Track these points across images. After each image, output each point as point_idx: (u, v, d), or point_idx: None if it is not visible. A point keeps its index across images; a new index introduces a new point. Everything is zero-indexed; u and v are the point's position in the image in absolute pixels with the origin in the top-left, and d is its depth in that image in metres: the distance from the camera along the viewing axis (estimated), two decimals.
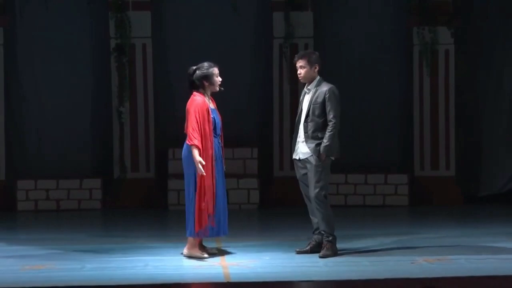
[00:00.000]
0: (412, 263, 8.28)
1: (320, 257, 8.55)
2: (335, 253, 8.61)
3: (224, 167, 8.73)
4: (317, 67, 8.68)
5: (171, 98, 13.02)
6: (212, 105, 8.67)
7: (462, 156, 13.16)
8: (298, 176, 8.80)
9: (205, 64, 8.64)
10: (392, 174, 12.82)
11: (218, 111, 8.76)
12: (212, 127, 8.54)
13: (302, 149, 8.67)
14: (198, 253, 8.58)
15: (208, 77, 8.58)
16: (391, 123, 13.29)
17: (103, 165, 13.17)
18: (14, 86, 13.17)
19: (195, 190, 8.46)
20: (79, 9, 13.16)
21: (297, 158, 8.73)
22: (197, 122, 8.45)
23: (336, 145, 8.61)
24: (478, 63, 13.18)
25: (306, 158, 8.63)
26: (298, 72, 8.71)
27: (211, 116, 8.55)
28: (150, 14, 13.05)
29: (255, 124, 13.28)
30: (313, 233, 8.80)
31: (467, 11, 13.14)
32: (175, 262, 8.50)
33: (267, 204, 12.68)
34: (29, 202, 12.72)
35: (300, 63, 8.67)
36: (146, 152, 13.04)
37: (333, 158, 8.66)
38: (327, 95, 8.59)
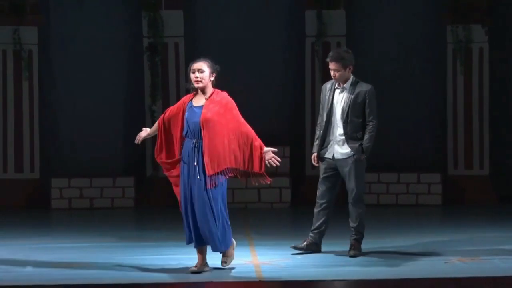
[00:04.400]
0: (446, 262, 8.23)
1: (351, 256, 8.52)
2: (361, 252, 8.60)
3: (209, 177, 7.86)
4: (351, 68, 8.61)
5: None
6: (198, 103, 7.88)
7: (496, 155, 13.05)
8: (325, 175, 8.65)
9: None
10: (425, 173, 12.75)
11: (214, 109, 7.82)
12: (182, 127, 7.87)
13: (339, 149, 8.59)
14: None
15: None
16: (424, 122, 13.21)
17: (136, 163, 13.21)
18: (49, 85, 13.25)
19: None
20: (112, 8, 13.22)
21: (330, 157, 8.67)
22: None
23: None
24: None
25: (345, 159, 8.57)
26: (333, 74, 8.59)
27: (184, 115, 7.85)
28: (182, 13, 13.08)
29: (287, 123, 13.25)
30: (312, 231, 8.72)
31: (502, 8, 13.03)
32: (208, 260, 8.50)
33: (298, 203, 12.66)
34: (63, 200, 12.79)
35: (333, 66, 8.53)
36: None
37: (366, 156, 8.66)
38: (368, 96, 8.55)
